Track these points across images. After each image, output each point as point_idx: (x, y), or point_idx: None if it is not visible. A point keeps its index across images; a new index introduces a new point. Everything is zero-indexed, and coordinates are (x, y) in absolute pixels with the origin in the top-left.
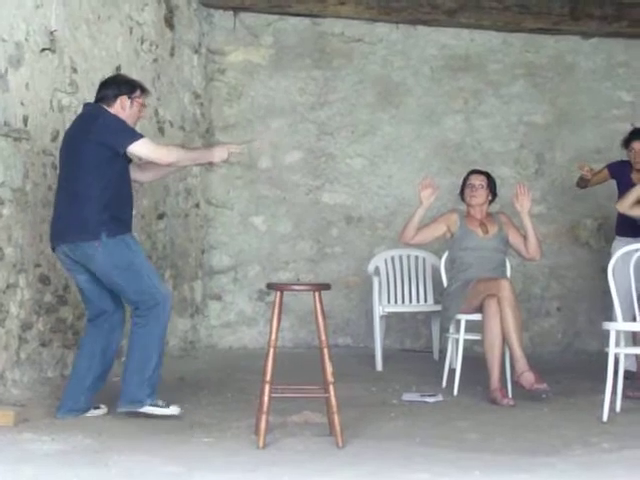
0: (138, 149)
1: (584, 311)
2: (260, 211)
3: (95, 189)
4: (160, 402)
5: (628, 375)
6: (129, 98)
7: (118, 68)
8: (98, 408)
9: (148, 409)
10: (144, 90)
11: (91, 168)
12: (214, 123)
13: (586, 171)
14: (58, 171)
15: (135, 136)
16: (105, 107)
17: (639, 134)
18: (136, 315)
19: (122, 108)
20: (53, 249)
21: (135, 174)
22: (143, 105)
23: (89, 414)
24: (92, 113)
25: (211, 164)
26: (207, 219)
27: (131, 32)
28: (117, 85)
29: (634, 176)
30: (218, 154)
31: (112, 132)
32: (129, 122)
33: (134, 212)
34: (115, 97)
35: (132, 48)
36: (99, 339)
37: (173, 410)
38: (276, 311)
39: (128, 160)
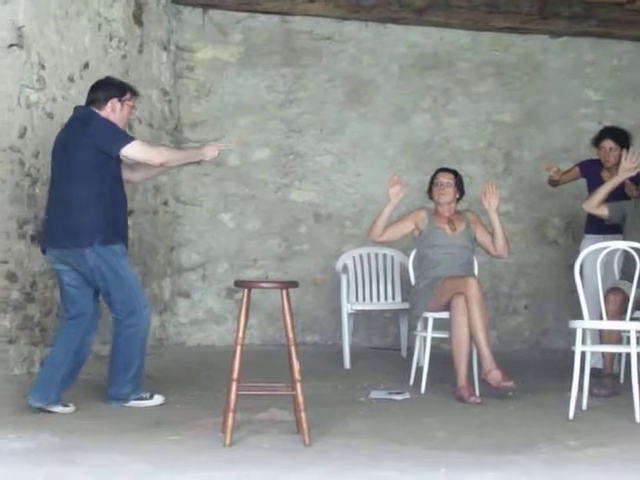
0: (130, 151)
1: (551, 309)
2: (229, 208)
3: (90, 195)
4: (144, 395)
5: (594, 372)
6: (119, 101)
7: (86, 64)
8: (67, 406)
9: (134, 403)
10: (134, 93)
11: (85, 173)
12: (182, 120)
13: (553, 172)
14: (50, 174)
15: (127, 139)
16: (96, 110)
17: (609, 133)
18: (117, 323)
19: (113, 111)
20: (43, 251)
21: (126, 174)
22: (133, 107)
23: (57, 409)
24: (84, 117)
25: (200, 163)
26: (176, 216)
27: (99, 28)
28: (108, 88)
29: (604, 175)
30: (209, 152)
31: (105, 136)
32: (119, 124)
33: None
34: (106, 100)
35: (100, 44)
36: (76, 337)
37: (157, 400)
38: (243, 309)
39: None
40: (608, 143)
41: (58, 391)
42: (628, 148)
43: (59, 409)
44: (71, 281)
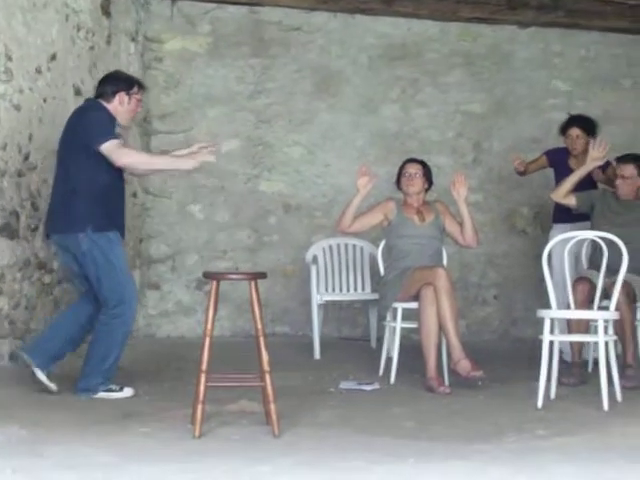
0: (103, 150)
1: (520, 299)
2: (198, 200)
3: (84, 182)
4: (113, 386)
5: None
6: (127, 94)
7: (53, 56)
8: (51, 382)
9: (103, 395)
10: (141, 86)
11: (81, 162)
12: (151, 112)
13: (517, 164)
14: (56, 162)
15: (106, 137)
16: (104, 103)
17: (576, 121)
18: (103, 312)
19: (120, 104)
20: (47, 237)
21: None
22: (141, 100)
23: (40, 375)
24: (85, 107)
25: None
26: (145, 208)
27: (67, 19)
28: (116, 82)
29: (571, 163)
30: (192, 164)
31: (90, 129)
32: (126, 116)
33: None
34: (114, 93)
35: (68, 36)
36: (86, 310)
37: (127, 392)
38: (212, 300)
39: None
40: (575, 131)
41: (47, 358)
42: (595, 136)
43: (42, 377)
44: (72, 265)
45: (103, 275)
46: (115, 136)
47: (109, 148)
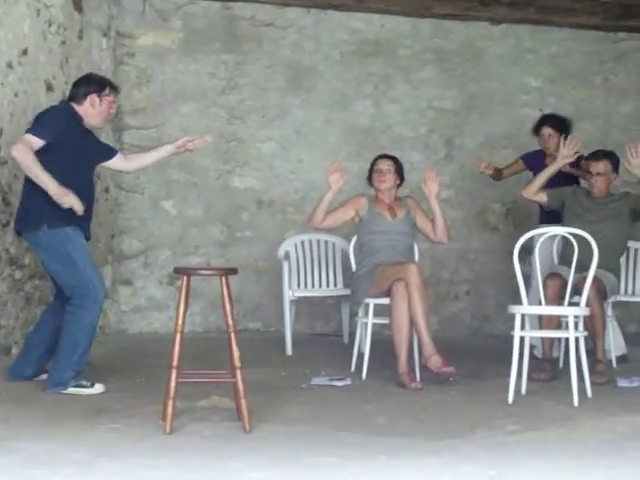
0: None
1: (492, 295)
2: (170, 195)
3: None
4: (84, 382)
5: (531, 357)
6: (98, 96)
7: (25, 51)
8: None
9: (72, 390)
10: (114, 88)
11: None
12: (123, 107)
13: (484, 167)
14: None
15: (32, 130)
16: (75, 105)
17: (547, 120)
18: (69, 304)
19: (92, 105)
20: (18, 234)
21: (120, 164)
22: (114, 102)
23: (39, 378)
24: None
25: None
26: (117, 203)
27: (38, 14)
28: (87, 84)
29: (548, 162)
30: (61, 198)
31: (32, 123)
32: (98, 118)
33: None
34: (85, 95)
35: (39, 31)
36: (58, 316)
37: (98, 389)
38: (183, 296)
39: (87, 152)
40: (547, 130)
41: (35, 369)
42: (567, 134)
43: (41, 377)
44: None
45: (64, 270)
46: (42, 134)
47: (20, 138)
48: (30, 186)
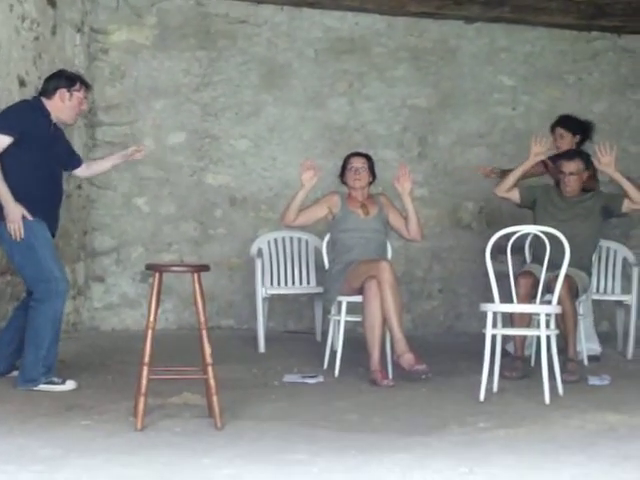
0: None
1: (465, 293)
2: (143, 192)
3: (3, 172)
4: (55, 379)
5: (505, 354)
6: (68, 91)
7: None
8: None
9: (43, 387)
10: (85, 84)
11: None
12: (97, 103)
13: (489, 172)
14: None
15: None
16: (45, 99)
17: (561, 120)
18: (32, 298)
19: (61, 100)
20: None
21: (81, 172)
22: (85, 98)
23: (11, 375)
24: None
25: None
26: (89, 200)
27: (11, 10)
28: (57, 79)
29: None
30: (12, 217)
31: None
32: (69, 113)
33: None
34: (55, 90)
35: (12, 26)
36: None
37: (69, 385)
38: (154, 292)
39: (55, 147)
40: (559, 130)
41: (6, 365)
42: (585, 137)
43: (13, 373)
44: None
45: (26, 262)
46: (7, 130)
47: None
48: None
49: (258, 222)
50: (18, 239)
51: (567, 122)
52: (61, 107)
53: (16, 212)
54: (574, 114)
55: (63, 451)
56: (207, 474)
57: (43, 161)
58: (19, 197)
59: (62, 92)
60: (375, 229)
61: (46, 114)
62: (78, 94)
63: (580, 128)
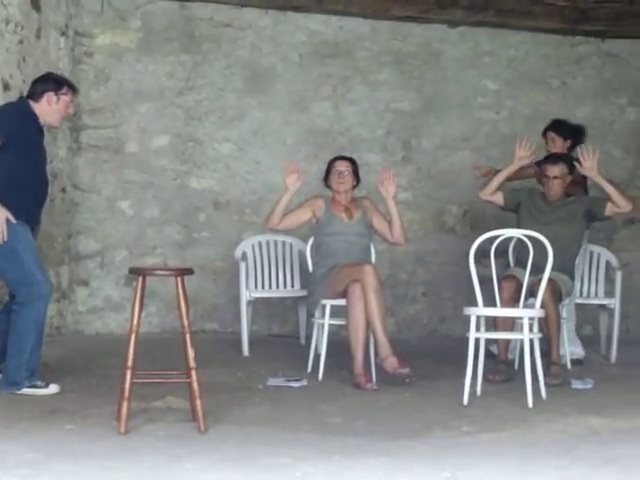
0: None
1: (449, 297)
2: (127, 196)
3: None
4: (39, 382)
5: (489, 355)
6: (55, 94)
7: None
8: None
9: (27, 390)
10: (72, 88)
11: None
12: (81, 106)
13: (485, 173)
14: None
15: None
16: (32, 102)
17: (553, 125)
18: (15, 302)
19: (48, 103)
20: None
21: None
22: (71, 102)
23: None
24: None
25: None
26: (73, 203)
27: None
28: (45, 82)
29: None
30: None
31: None
32: (55, 116)
33: None
34: (42, 93)
35: None
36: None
37: (53, 389)
38: (138, 296)
39: (40, 149)
40: (550, 134)
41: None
42: (576, 142)
43: None
44: None
45: (8, 265)
46: None
47: None
48: None
49: (242, 226)
50: (1, 242)
51: (559, 126)
52: (48, 110)
53: (0, 215)
54: (566, 118)
55: (46, 455)
56: (190, 478)
57: (29, 164)
58: (3, 200)
59: (49, 95)
60: (359, 233)
61: (33, 117)
62: (65, 97)
63: (572, 133)
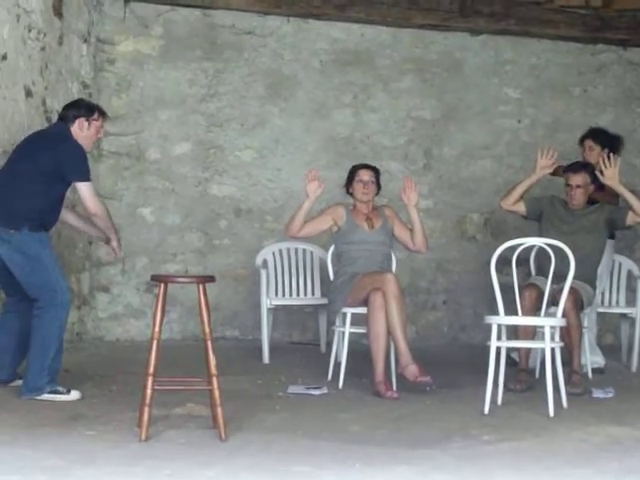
0: (81, 187)
1: (470, 305)
2: (148, 202)
3: (37, 192)
4: (60, 388)
5: (510, 363)
6: (87, 120)
7: (4, 56)
8: (21, 378)
9: (48, 396)
10: (102, 113)
11: (42, 176)
12: None
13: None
14: (7, 161)
15: (85, 176)
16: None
17: (590, 133)
18: (36, 307)
19: (80, 129)
20: None
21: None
22: (101, 127)
23: (13, 384)
24: (60, 133)
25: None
26: None
27: (18, 20)
28: (77, 108)
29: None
30: (115, 242)
31: (71, 162)
32: (86, 141)
33: None
34: (74, 118)
35: (19, 36)
36: (24, 318)
37: (74, 395)
38: (160, 303)
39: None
40: (588, 142)
41: (9, 372)
42: (613, 150)
43: (15, 382)
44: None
45: (33, 272)
46: (90, 177)
47: (88, 191)
48: (31, 189)
49: (263, 233)
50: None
51: (597, 135)
52: (80, 135)
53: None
54: (604, 127)
55: (67, 462)
56: None
57: (65, 185)
58: (45, 212)
59: (81, 121)
60: (380, 241)
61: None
62: (96, 123)
63: (609, 141)
